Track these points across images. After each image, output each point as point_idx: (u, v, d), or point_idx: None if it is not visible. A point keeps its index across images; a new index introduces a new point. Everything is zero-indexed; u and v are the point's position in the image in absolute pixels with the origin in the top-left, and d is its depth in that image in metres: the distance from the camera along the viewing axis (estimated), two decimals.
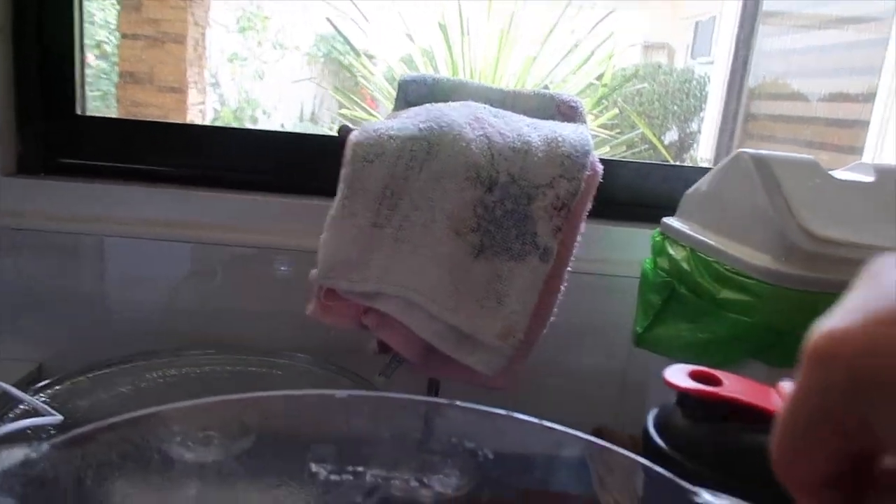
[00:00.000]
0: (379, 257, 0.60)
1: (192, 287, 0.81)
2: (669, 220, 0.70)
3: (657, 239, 0.69)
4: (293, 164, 0.84)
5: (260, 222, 0.81)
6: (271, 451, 0.46)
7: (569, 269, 0.66)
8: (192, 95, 1.07)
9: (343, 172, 0.61)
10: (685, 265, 0.63)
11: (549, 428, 0.41)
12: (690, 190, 0.71)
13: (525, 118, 0.69)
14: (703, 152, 1.19)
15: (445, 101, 0.70)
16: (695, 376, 0.46)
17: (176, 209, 0.80)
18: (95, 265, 0.79)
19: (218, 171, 0.83)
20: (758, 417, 0.44)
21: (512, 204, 0.62)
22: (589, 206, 0.66)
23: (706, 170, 0.71)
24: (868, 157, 1.27)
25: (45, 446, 0.34)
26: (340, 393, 0.42)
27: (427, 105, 0.68)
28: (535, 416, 0.43)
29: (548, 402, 0.60)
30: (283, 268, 0.80)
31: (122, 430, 0.38)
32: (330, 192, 0.62)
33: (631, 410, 0.83)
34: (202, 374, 0.70)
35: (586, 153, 0.64)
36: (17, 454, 0.32)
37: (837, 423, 0.21)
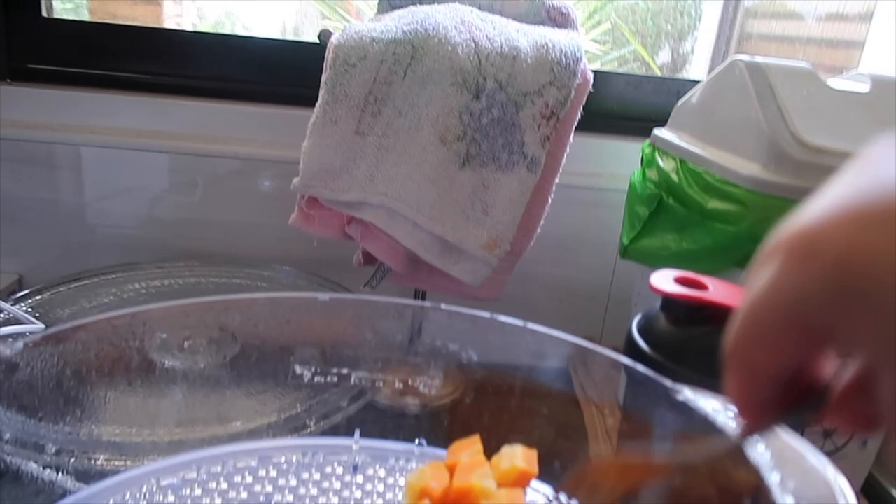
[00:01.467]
0: (362, 166, 0.59)
1: (172, 199, 0.79)
2: (660, 131, 0.68)
3: (647, 150, 0.68)
4: (275, 73, 0.81)
5: (240, 132, 0.79)
6: (256, 355, 0.46)
7: (557, 181, 0.65)
8: (169, 7, 1.01)
9: (324, 77, 0.59)
10: (674, 176, 0.62)
11: (533, 330, 0.41)
12: (682, 100, 0.69)
13: (514, 23, 0.66)
14: (695, 74, 1.16)
15: (431, 3, 0.67)
16: (680, 282, 0.46)
17: (153, 118, 0.78)
18: (72, 176, 0.77)
19: (196, 80, 0.80)
20: None
21: (499, 111, 0.60)
22: (578, 116, 0.64)
23: (697, 82, 0.70)
24: None
25: (19, 344, 0.33)
26: (322, 296, 0.41)
27: (412, 7, 0.65)
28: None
29: (533, 314, 0.60)
30: (265, 179, 0.78)
31: (99, 330, 0.38)
32: (313, 102, 0.59)
33: (616, 324, 0.84)
34: (186, 286, 0.70)
35: (577, 60, 0.61)
36: None
37: (807, 326, 0.20)
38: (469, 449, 0.40)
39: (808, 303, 0.19)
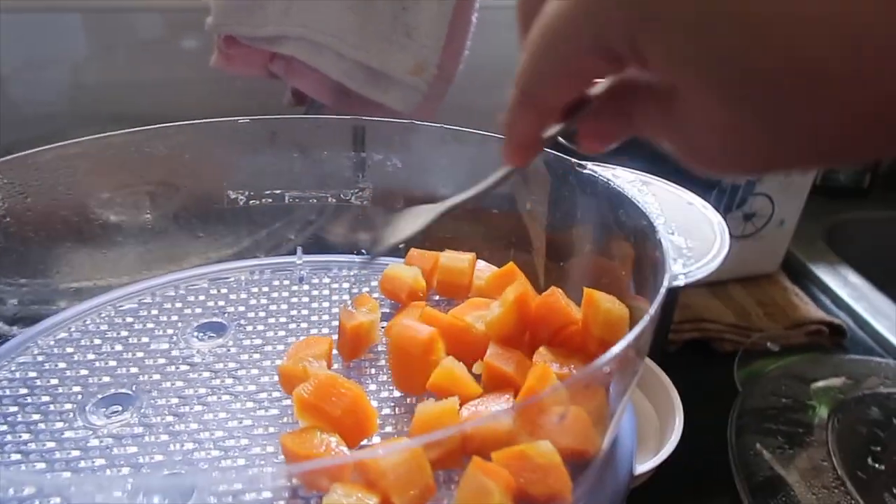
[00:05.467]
0: None
1: (94, 64, 0.77)
2: None
3: None
4: None
5: None
6: (191, 189, 0.47)
7: None
8: None
9: None
10: None
11: (452, 130, 0.43)
12: None
13: None
14: None
15: None
16: None
17: None
18: None
19: None
20: None
21: None
22: None
23: None
24: None
25: None
26: (242, 119, 0.42)
27: None
28: None
29: None
30: (188, 30, 0.76)
31: (24, 169, 0.39)
32: None
33: None
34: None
35: None
36: None
37: (608, 47, 0.21)
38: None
39: (607, 25, 0.21)
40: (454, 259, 0.43)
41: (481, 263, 0.44)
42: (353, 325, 0.37)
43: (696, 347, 0.62)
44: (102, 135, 0.40)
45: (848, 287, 0.71)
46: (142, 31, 0.77)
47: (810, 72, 0.18)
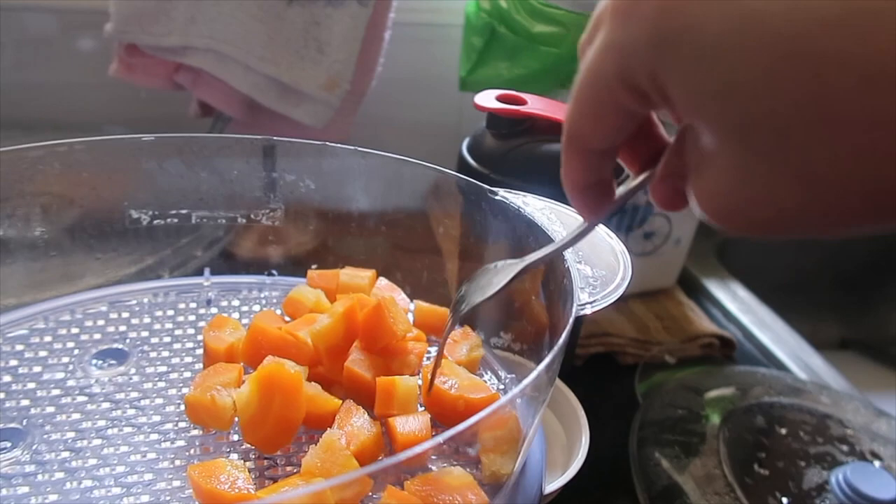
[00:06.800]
0: (181, 6, 0.55)
1: None
2: None
3: None
4: None
5: None
6: (91, 208, 0.45)
7: (392, 15, 0.65)
8: None
9: None
10: (503, 3, 0.63)
11: (365, 152, 0.43)
12: None
13: None
14: None
15: None
16: (501, 99, 0.49)
17: None
18: None
19: None
20: (557, 130, 0.48)
21: None
22: None
23: None
24: None
25: None
26: (147, 136, 0.41)
27: None
28: None
29: None
30: (86, 30, 0.72)
31: None
32: None
33: None
34: None
35: None
36: None
37: (634, 81, 0.21)
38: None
39: (632, 57, 0.20)
40: (354, 276, 0.43)
41: (382, 281, 0.44)
42: (225, 347, 0.37)
43: (602, 360, 0.65)
44: None
45: (737, 301, 0.76)
46: (33, 31, 0.72)
47: (829, 114, 0.17)
